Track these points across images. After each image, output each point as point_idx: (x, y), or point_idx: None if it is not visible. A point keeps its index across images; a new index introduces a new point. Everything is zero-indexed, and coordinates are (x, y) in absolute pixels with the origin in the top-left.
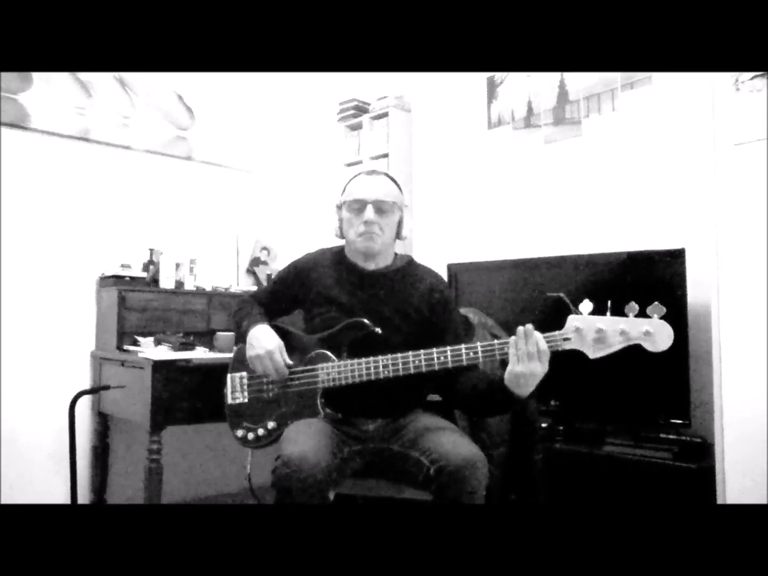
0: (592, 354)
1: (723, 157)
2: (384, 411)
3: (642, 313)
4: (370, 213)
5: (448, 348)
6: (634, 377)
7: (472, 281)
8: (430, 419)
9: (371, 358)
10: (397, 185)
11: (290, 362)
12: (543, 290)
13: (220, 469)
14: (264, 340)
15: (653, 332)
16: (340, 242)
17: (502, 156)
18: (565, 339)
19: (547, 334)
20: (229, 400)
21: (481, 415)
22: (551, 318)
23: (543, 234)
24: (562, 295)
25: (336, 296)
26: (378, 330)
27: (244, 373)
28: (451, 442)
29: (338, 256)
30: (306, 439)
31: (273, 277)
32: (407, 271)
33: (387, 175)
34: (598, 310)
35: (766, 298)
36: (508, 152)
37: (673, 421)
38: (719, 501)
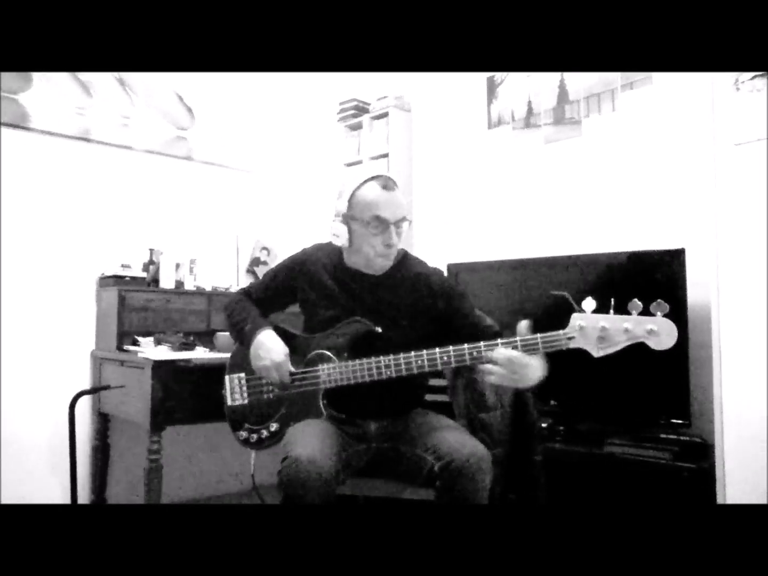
0: (597, 353)
1: (723, 157)
2: (386, 410)
3: (645, 311)
4: (394, 237)
5: (451, 347)
6: (634, 377)
7: (472, 281)
8: (432, 417)
9: (373, 359)
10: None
11: (293, 369)
12: (543, 290)
13: (221, 469)
14: (273, 351)
15: (657, 330)
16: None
17: (502, 156)
18: (569, 338)
19: (552, 333)
20: (229, 402)
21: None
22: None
23: (543, 234)
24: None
25: (337, 297)
26: (378, 329)
27: (243, 375)
28: (455, 438)
29: (336, 259)
30: (312, 440)
31: (269, 271)
32: (403, 266)
33: (393, 181)
34: (601, 308)
35: (766, 298)
36: (508, 152)
37: (673, 421)
38: (719, 501)
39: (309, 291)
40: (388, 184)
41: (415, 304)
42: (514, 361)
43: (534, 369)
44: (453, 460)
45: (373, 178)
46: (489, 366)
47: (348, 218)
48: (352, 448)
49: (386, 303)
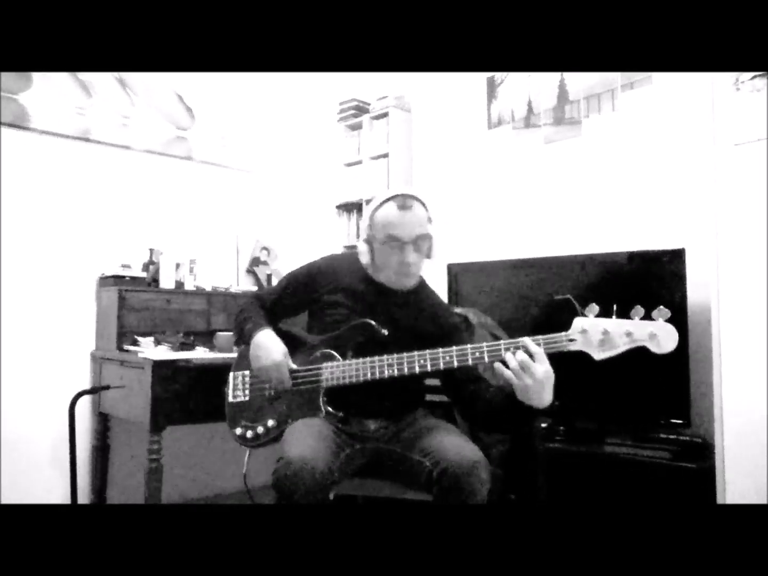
0: (598, 355)
1: (723, 157)
2: (385, 410)
3: (647, 316)
4: (410, 255)
5: (454, 348)
6: (634, 377)
7: (472, 281)
8: (431, 421)
9: (376, 358)
10: (425, 206)
11: (294, 366)
12: (543, 290)
13: (220, 469)
14: (271, 350)
15: (658, 334)
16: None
17: (502, 156)
18: (570, 340)
19: (552, 335)
20: (230, 398)
21: (502, 430)
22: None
23: (543, 234)
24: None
25: (353, 305)
26: (384, 332)
27: (247, 372)
28: (453, 444)
29: (360, 270)
30: (307, 440)
31: (284, 277)
32: (421, 290)
33: (416, 198)
34: (604, 313)
35: (766, 298)
36: (508, 152)
37: (673, 421)
38: (719, 501)
39: (325, 296)
40: (405, 203)
41: (424, 323)
42: (526, 368)
43: (546, 391)
44: (450, 466)
45: (391, 198)
46: (502, 367)
47: (370, 239)
48: (350, 448)
49: (400, 313)
